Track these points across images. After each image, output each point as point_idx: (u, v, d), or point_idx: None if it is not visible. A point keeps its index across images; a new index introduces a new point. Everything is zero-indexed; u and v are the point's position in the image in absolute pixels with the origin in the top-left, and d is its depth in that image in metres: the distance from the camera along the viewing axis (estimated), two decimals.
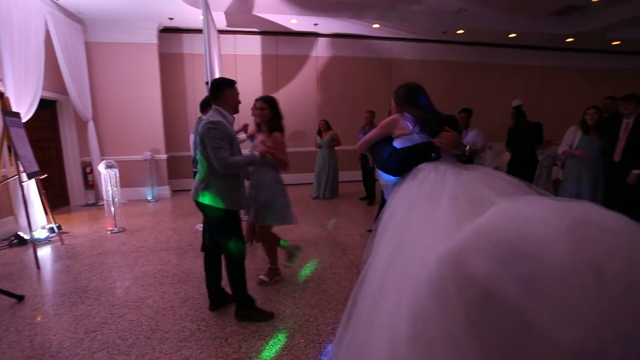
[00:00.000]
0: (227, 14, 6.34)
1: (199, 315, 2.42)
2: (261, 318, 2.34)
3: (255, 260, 3.45)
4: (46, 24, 5.05)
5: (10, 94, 4.12)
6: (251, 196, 2.72)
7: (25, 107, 4.40)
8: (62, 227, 4.44)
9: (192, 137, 4.18)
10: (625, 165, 3.65)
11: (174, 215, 5.45)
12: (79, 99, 5.81)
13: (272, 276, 2.92)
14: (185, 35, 7.29)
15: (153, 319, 2.38)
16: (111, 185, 4.59)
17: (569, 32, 7.88)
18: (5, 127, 3.70)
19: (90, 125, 6.16)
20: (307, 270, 3.18)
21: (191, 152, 4.33)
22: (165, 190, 6.91)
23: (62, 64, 5.43)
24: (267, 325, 2.29)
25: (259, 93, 7.71)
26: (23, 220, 3.92)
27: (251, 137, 3.80)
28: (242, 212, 2.54)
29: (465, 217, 1.21)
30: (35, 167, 3.94)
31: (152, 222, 5.00)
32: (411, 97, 1.81)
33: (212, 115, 2.23)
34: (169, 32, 7.09)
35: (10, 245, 3.95)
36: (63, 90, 5.72)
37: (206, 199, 2.23)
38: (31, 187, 4.20)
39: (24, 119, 4.27)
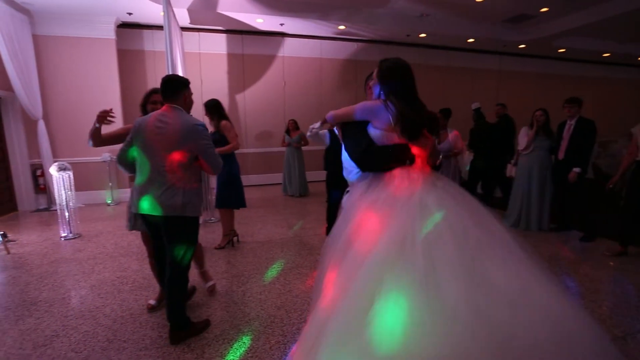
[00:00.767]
0: (190, 10, 6.17)
1: (160, 321, 2.35)
2: (198, 331, 2.20)
3: (219, 264, 3.40)
4: None
5: None
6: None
7: None
8: (8, 235, 4.13)
9: None
10: (567, 163, 3.98)
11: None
12: (27, 96, 5.42)
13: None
14: (146, 32, 7.01)
15: (110, 328, 2.28)
16: (65, 189, 4.32)
17: (521, 39, 8.42)
18: None
19: (41, 125, 5.76)
20: (273, 271, 3.18)
21: None
22: (126, 194, 6.59)
23: (6, 57, 5.04)
24: (232, 328, 2.27)
25: (225, 93, 7.59)
26: None
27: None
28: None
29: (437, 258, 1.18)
30: None
31: (112, 227, 4.77)
32: (397, 80, 1.62)
33: (182, 116, 2.03)
34: (128, 27, 6.78)
35: None
36: (7, 86, 5.31)
37: (187, 211, 2.03)
38: None
39: None
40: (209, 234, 4.32)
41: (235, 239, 3.90)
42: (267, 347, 2.07)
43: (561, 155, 4.07)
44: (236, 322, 2.34)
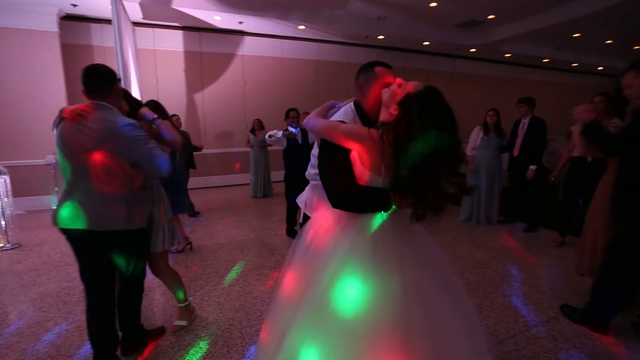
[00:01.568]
0: (142, 5, 5.89)
1: None
2: (152, 339, 2.11)
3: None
4: None
5: None
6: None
7: None
8: None
9: None
10: (522, 159, 4.26)
11: None
12: None
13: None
14: (94, 26, 6.59)
15: (53, 343, 2.13)
16: (0, 195, 3.96)
17: (471, 43, 8.91)
18: None
19: None
20: (233, 274, 3.13)
21: None
22: None
23: None
24: (188, 334, 2.21)
25: (182, 92, 7.33)
26: None
27: None
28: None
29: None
30: None
31: (58, 235, 4.43)
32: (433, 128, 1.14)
33: (114, 115, 1.67)
34: (73, 20, 6.34)
35: None
36: None
37: (133, 224, 1.74)
38: None
39: None
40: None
41: (189, 245, 3.80)
42: (225, 350, 2.04)
43: (516, 152, 4.34)
44: (193, 328, 2.28)
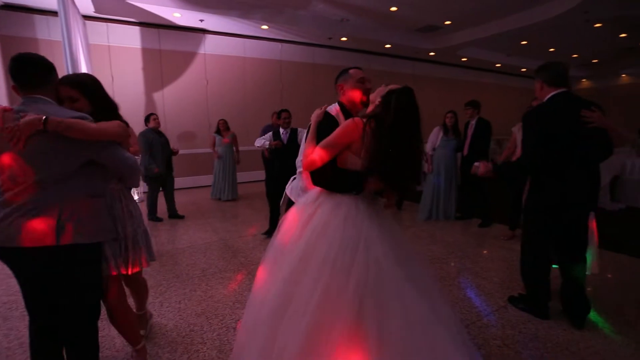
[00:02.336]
0: None
1: None
2: None
3: None
4: None
5: None
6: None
7: None
8: None
9: None
10: (471, 158, 4.51)
11: None
12: None
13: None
14: (38, 17, 6.13)
15: None
16: None
17: (430, 47, 9.29)
18: None
19: None
20: (194, 278, 3.05)
21: None
22: None
23: None
24: (146, 342, 2.12)
25: (140, 90, 7.01)
26: None
27: None
28: None
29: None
30: None
31: None
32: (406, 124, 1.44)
33: (50, 107, 1.39)
34: (14, 10, 5.86)
35: None
36: None
37: (80, 237, 1.41)
38: None
39: None
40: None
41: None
42: (185, 357, 1.99)
43: (465, 151, 4.60)
44: (151, 336, 2.19)
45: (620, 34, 9.01)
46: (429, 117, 6.17)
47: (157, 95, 7.25)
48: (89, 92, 1.59)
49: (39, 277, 1.42)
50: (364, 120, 1.44)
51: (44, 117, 1.29)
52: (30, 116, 1.30)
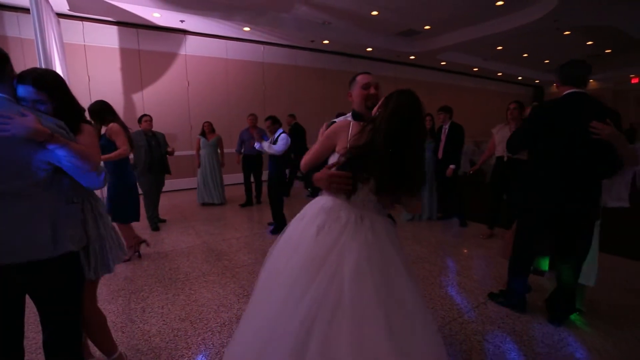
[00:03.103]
0: None
1: (33, 358, 2.02)
2: None
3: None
4: None
5: None
6: None
7: None
8: None
9: None
10: (445, 161, 4.65)
11: None
12: None
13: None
14: (8, 14, 5.88)
15: None
16: None
17: (411, 50, 9.49)
18: None
19: None
20: (177, 282, 3.00)
21: None
22: None
23: None
24: (129, 350, 2.08)
25: (119, 91, 6.83)
26: None
27: None
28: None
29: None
30: None
31: None
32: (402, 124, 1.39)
33: (14, 108, 1.24)
34: None
35: None
36: None
37: (59, 249, 1.31)
38: None
39: None
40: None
41: (143, 244, 3.64)
42: None
43: (440, 154, 4.74)
44: (134, 343, 2.15)
45: (588, 41, 9.49)
46: None
47: (136, 97, 7.08)
48: (56, 94, 1.43)
49: (33, 291, 1.33)
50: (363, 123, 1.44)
51: (50, 133, 1.21)
52: (32, 119, 1.19)
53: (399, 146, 1.33)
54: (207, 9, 6.34)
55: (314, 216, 1.41)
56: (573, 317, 2.34)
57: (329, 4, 6.59)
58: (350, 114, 1.85)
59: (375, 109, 1.47)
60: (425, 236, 4.26)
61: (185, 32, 7.39)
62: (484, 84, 14.33)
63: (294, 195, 6.85)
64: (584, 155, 2.06)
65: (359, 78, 1.82)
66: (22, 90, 1.34)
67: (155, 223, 4.62)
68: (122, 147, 3.08)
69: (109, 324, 2.33)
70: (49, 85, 1.41)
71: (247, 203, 5.98)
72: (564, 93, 2.16)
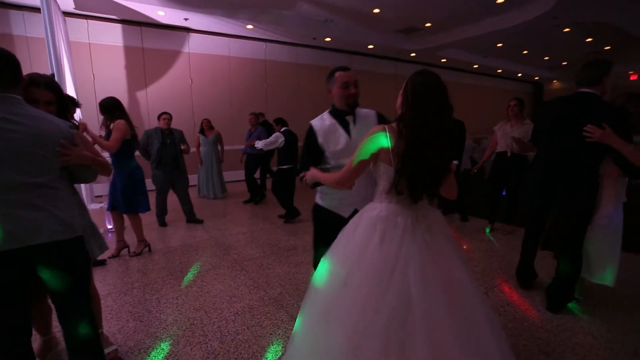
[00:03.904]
0: None
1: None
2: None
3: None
4: None
5: None
6: None
7: None
8: None
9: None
10: None
11: None
12: None
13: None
14: (14, 13, 5.94)
15: None
16: None
17: (411, 48, 9.55)
18: None
19: None
20: (190, 275, 3.10)
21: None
22: None
23: None
24: (147, 337, 2.18)
25: (123, 89, 6.90)
26: None
27: None
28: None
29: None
30: None
31: None
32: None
33: (32, 111, 1.40)
34: None
35: None
36: None
37: (78, 231, 1.49)
38: None
39: None
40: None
41: (147, 248, 3.71)
42: (188, 348, 2.07)
43: None
44: (152, 330, 2.25)
45: (587, 38, 9.56)
46: None
47: (140, 94, 7.15)
48: (60, 95, 1.69)
49: (46, 272, 1.44)
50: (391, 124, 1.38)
51: (92, 157, 1.53)
52: (82, 149, 1.50)
53: (432, 130, 1.29)
54: (211, 7, 6.41)
55: (371, 226, 1.38)
56: (571, 305, 2.45)
57: (330, 2, 6.66)
58: (328, 111, 1.90)
59: (398, 102, 1.39)
60: None
61: (188, 30, 7.45)
62: (484, 80, 14.40)
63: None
64: (574, 154, 2.17)
65: (338, 75, 1.79)
66: (37, 93, 1.58)
67: (162, 219, 4.71)
68: (108, 143, 3.19)
69: (126, 314, 2.46)
70: (55, 87, 1.67)
71: (251, 200, 6.09)
72: (576, 92, 2.25)
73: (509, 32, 8.04)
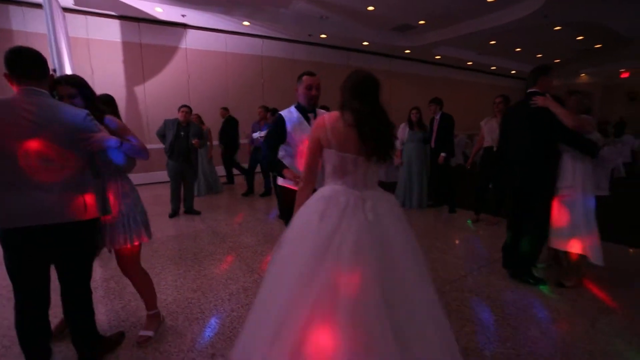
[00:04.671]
0: None
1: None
2: (113, 345, 2.02)
3: None
4: None
5: None
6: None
7: None
8: None
9: None
10: (438, 150, 4.92)
11: None
12: None
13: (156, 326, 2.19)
14: (13, 8, 6.04)
15: (5, 335, 2.15)
16: None
17: (406, 45, 9.70)
18: None
19: None
20: (187, 260, 3.27)
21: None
22: None
23: None
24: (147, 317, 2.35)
25: (121, 84, 7.03)
26: None
27: None
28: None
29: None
30: None
31: None
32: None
33: (51, 101, 1.59)
34: None
35: None
36: None
37: (98, 212, 1.72)
38: None
39: None
40: None
41: None
42: (187, 323, 2.24)
43: (433, 144, 5.01)
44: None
45: (578, 36, 9.75)
46: (404, 111, 6.46)
47: (138, 89, 7.27)
48: (83, 90, 1.86)
49: (60, 250, 1.64)
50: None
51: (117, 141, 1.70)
52: (105, 134, 1.67)
53: (370, 106, 1.48)
54: (208, 4, 6.53)
55: (314, 205, 1.47)
56: (542, 287, 2.65)
57: None
58: (294, 105, 2.25)
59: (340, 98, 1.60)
60: (415, 222, 4.55)
61: (185, 26, 7.56)
62: (478, 77, 14.57)
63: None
64: (527, 139, 2.61)
65: (305, 79, 2.17)
66: (60, 89, 1.80)
67: (175, 208, 4.83)
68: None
69: (128, 295, 2.62)
70: (78, 82, 1.87)
71: (249, 192, 6.21)
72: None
73: (501, 30, 8.21)
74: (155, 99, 7.45)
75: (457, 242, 3.81)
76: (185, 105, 4.68)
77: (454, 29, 8.66)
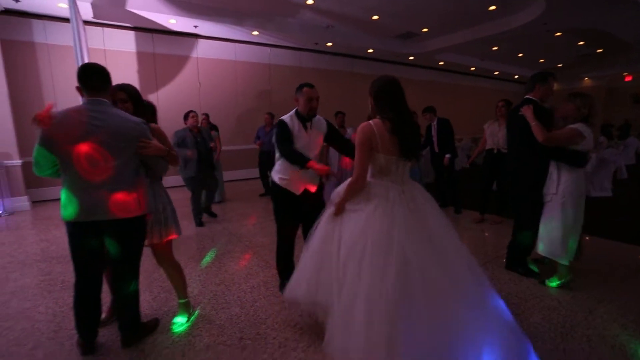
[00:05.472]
0: (94, 5, 5.86)
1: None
2: (149, 331, 2.21)
3: None
4: None
5: None
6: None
7: None
8: None
9: None
10: (442, 153, 5.12)
11: (41, 227, 4.82)
12: None
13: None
14: (35, 22, 6.35)
15: (52, 321, 2.35)
16: None
17: (410, 52, 9.93)
18: None
19: None
20: (207, 258, 3.48)
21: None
22: (23, 202, 5.91)
23: None
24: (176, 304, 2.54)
25: None
26: None
27: None
28: None
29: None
30: None
31: (14, 237, 4.37)
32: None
33: (111, 109, 1.85)
34: (12, 15, 6.07)
35: None
36: None
37: (147, 208, 1.97)
38: None
39: None
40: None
41: None
42: (214, 312, 2.44)
43: (437, 149, 5.20)
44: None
45: (579, 42, 9.93)
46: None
47: (152, 97, 7.54)
48: (133, 96, 2.11)
49: (115, 242, 1.89)
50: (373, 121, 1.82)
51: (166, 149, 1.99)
52: (157, 143, 1.95)
53: (404, 115, 1.79)
54: (220, 15, 6.81)
55: (371, 198, 1.76)
56: (549, 282, 2.82)
57: (331, 9, 7.05)
58: (294, 111, 2.49)
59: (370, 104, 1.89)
60: None
61: (197, 36, 7.85)
62: (482, 82, 14.77)
63: None
64: (514, 145, 2.87)
65: (305, 91, 2.39)
66: (115, 95, 2.05)
67: (199, 219, 4.66)
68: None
69: (157, 288, 2.83)
70: (127, 89, 2.12)
71: (267, 194, 6.39)
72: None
73: (503, 37, 8.42)
74: (168, 107, 7.72)
75: (463, 240, 3.97)
76: (192, 111, 4.66)
77: (456, 36, 8.88)
